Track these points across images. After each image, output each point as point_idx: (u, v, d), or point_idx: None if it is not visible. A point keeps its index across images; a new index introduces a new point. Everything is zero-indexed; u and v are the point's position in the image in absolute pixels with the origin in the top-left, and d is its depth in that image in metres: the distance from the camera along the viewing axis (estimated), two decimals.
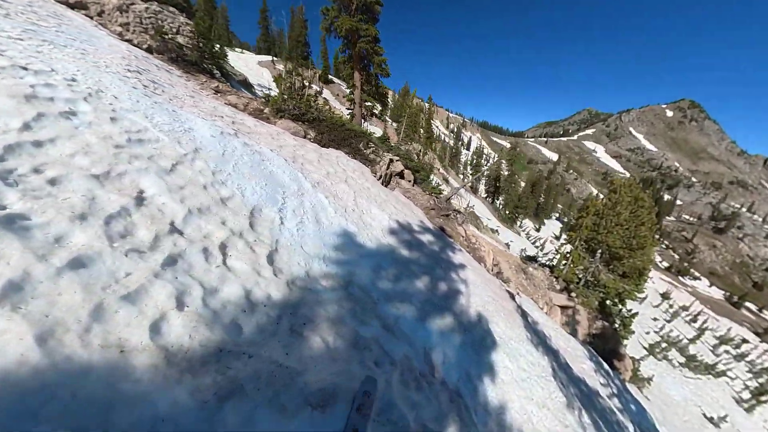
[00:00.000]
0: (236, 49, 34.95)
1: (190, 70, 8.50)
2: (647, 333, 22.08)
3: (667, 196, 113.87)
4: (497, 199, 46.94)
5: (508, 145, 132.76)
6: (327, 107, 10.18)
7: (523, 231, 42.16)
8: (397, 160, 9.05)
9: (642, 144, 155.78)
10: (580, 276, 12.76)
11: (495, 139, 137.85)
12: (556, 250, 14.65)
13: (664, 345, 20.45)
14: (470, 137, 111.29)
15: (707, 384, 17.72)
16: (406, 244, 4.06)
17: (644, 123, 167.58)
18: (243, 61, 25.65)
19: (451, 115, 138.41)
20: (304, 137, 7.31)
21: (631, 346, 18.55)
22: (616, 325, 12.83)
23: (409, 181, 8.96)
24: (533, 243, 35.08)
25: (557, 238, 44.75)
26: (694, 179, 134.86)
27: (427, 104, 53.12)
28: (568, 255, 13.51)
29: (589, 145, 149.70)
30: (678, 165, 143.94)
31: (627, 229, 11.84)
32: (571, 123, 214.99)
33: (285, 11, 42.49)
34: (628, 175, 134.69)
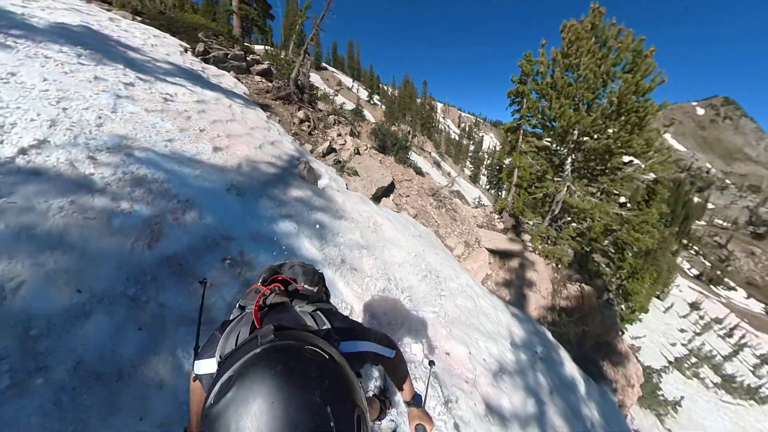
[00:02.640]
0: None
1: None
2: (673, 345, 18.96)
3: (696, 199, 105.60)
4: (501, 191, 43.80)
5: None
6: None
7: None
8: (269, 64, 7.78)
9: (669, 143, 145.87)
10: (543, 208, 7.52)
11: None
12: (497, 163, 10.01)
13: (694, 360, 17.19)
14: (482, 136, 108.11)
15: (749, 412, 14.22)
16: None
17: (672, 121, 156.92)
18: None
19: (463, 114, 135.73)
20: (132, 18, 6.37)
21: (651, 357, 15.53)
22: (611, 296, 7.51)
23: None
24: None
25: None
26: (728, 181, 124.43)
27: (424, 94, 51.83)
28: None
29: None
30: (710, 166, 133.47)
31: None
32: None
33: (280, 1, 42.64)
34: (653, 175, 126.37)
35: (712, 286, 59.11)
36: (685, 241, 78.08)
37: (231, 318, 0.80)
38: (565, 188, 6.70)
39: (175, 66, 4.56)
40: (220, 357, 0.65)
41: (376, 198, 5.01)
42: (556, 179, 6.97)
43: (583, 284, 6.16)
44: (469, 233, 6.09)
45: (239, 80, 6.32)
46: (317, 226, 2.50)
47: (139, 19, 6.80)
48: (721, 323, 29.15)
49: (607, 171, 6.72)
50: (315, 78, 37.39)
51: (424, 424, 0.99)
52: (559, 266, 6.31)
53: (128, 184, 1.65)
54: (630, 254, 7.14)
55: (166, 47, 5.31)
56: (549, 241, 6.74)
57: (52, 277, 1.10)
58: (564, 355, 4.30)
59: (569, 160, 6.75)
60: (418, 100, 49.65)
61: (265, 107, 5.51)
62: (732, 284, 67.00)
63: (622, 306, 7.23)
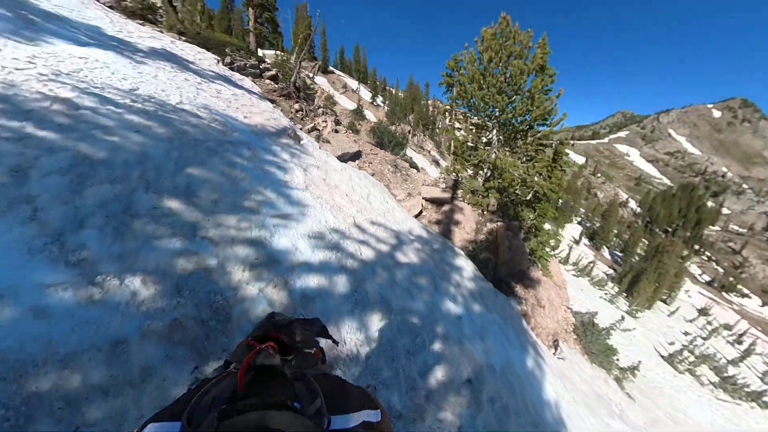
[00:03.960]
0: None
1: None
2: (671, 343, 18.68)
3: (710, 204, 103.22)
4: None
5: None
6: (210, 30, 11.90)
7: None
8: (277, 71, 10.43)
9: (683, 147, 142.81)
10: (479, 172, 9.26)
11: None
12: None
13: (686, 354, 16.81)
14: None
15: (749, 413, 13.96)
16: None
17: (686, 124, 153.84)
18: None
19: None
20: (179, 39, 9.11)
21: (641, 350, 15.59)
22: (525, 234, 9.27)
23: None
24: None
25: (576, 242, 39.61)
26: (745, 186, 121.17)
27: (426, 96, 54.39)
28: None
29: (622, 148, 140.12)
30: (726, 170, 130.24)
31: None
32: (603, 126, 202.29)
33: (290, 9, 46.72)
34: (665, 180, 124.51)
35: (724, 293, 57.60)
36: (696, 247, 76.23)
37: (212, 376, 0.73)
38: (493, 155, 8.83)
39: (216, 73, 7.24)
40: (188, 421, 0.55)
41: (343, 160, 7.48)
42: (486, 149, 9.17)
43: (498, 222, 7.78)
44: (414, 188, 8.37)
45: (255, 83, 8.99)
46: (292, 153, 5.03)
47: (183, 39, 9.56)
48: (731, 330, 28.92)
49: (524, 138, 8.98)
50: (321, 81, 40.02)
51: None
52: (485, 212, 8.30)
53: (211, 119, 4.23)
54: (543, 202, 8.94)
55: (207, 60, 8.01)
56: (479, 195, 8.64)
57: (198, 139, 3.66)
58: (463, 259, 5.95)
59: (494, 132, 9.02)
60: (423, 102, 52.23)
61: (272, 101, 8.13)
62: (746, 291, 65.07)
63: (533, 241, 9.17)
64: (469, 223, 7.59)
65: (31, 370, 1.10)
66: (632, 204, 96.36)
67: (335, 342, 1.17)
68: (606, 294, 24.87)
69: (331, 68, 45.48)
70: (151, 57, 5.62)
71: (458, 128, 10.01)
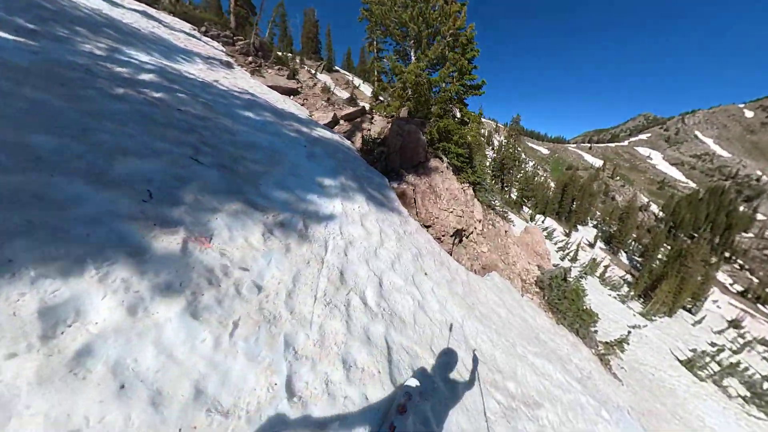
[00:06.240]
0: None
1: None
2: (692, 350, 17.43)
3: (743, 209, 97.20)
4: (506, 186, 42.98)
5: (546, 151, 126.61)
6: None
7: (535, 224, 36.46)
8: (245, 42, 13.20)
9: (711, 149, 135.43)
10: (404, 94, 10.25)
11: (532, 145, 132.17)
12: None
13: (708, 360, 15.57)
14: (500, 140, 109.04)
15: None
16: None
17: (714, 125, 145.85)
18: None
19: (482, 120, 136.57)
20: (166, 13, 11.98)
21: (652, 350, 14.49)
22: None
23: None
24: (555, 244, 28.55)
25: (591, 245, 39.17)
26: None
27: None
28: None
29: (643, 151, 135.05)
30: (761, 173, 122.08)
31: None
32: (624, 130, 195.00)
33: (299, 14, 51.23)
34: (691, 183, 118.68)
35: (759, 305, 53.41)
36: (727, 254, 71.21)
37: None
38: (414, 76, 9.77)
39: (182, 30, 9.98)
40: None
41: (275, 90, 9.92)
42: (405, 70, 10.10)
43: (398, 123, 8.57)
44: (340, 110, 10.00)
45: (225, 47, 11.65)
46: (211, 64, 7.60)
47: (172, 15, 12.41)
48: (767, 345, 26.72)
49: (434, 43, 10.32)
50: (325, 78, 43.51)
51: None
52: (394, 118, 9.40)
53: (154, 39, 6.87)
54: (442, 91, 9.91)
55: (181, 24, 10.79)
56: (390, 107, 10.36)
57: (138, 40, 6.23)
58: (337, 137, 7.47)
59: (413, 52, 10.93)
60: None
61: (231, 56, 10.75)
62: None
63: (433, 130, 9.53)
64: (375, 128, 8.98)
65: None
66: (654, 208, 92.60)
67: None
68: (618, 295, 23.96)
69: (337, 68, 48.91)
70: (129, 10, 8.40)
71: (378, 58, 11.82)
